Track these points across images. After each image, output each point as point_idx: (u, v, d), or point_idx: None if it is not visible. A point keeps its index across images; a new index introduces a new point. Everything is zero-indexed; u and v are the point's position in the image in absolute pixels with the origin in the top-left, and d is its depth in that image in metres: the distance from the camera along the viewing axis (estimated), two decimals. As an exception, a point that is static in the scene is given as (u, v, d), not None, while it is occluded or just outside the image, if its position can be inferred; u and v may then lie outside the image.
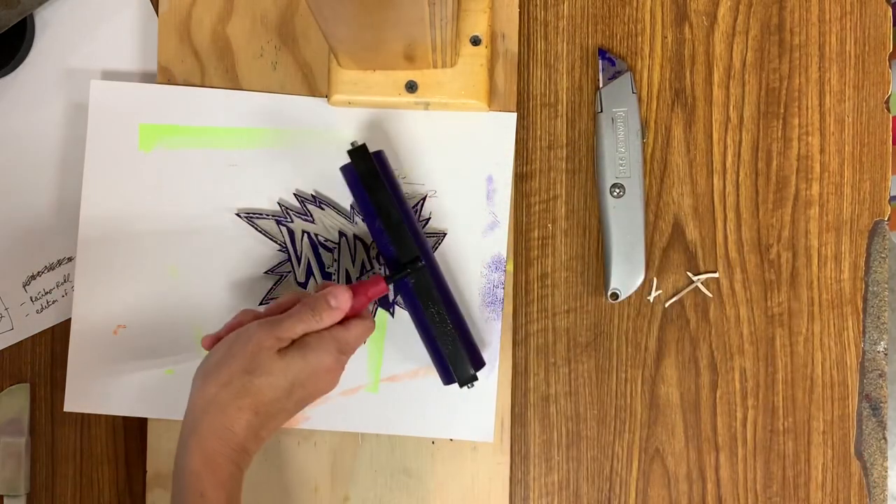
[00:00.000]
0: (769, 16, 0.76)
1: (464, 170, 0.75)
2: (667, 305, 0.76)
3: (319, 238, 0.76)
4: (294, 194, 0.76)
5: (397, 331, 0.75)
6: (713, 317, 0.76)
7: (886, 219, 0.76)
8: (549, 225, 0.77)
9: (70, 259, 0.78)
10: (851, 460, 0.76)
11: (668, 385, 0.76)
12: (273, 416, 0.63)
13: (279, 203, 0.76)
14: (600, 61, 0.76)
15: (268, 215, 0.76)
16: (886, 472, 0.76)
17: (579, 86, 0.77)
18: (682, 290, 0.76)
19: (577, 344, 0.76)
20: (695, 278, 0.76)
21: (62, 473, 0.78)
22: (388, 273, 0.70)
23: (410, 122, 0.75)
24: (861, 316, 0.76)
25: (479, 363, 0.71)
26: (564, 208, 0.77)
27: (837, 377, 0.76)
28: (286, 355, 0.63)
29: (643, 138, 0.75)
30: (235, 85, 0.76)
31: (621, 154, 0.74)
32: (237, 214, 0.76)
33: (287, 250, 0.76)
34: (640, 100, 0.76)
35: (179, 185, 0.76)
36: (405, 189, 0.75)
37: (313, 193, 0.76)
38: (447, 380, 0.71)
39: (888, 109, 0.76)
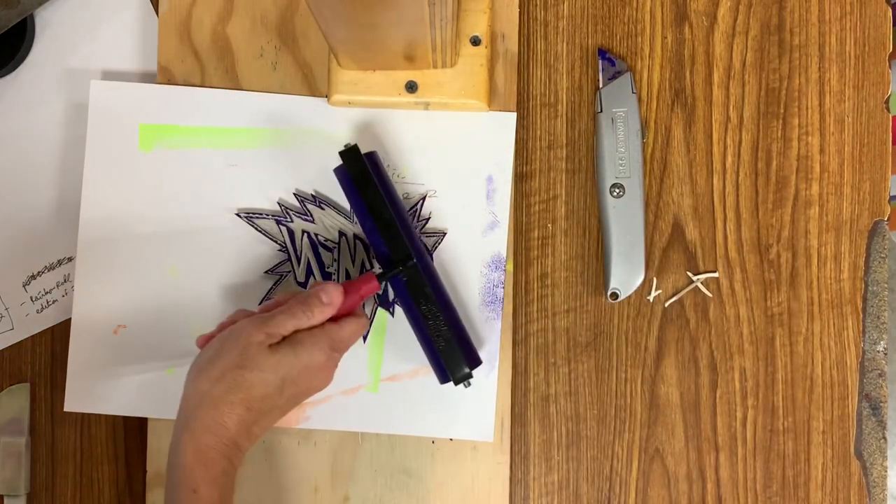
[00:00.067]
0: (769, 16, 0.76)
1: (464, 170, 0.75)
2: (667, 305, 0.76)
3: (319, 238, 0.76)
4: (294, 194, 0.76)
5: (397, 331, 0.75)
6: (713, 317, 0.76)
7: (886, 219, 0.76)
8: (549, 225, 0.77)
9: (70, 259, 0.78)
10: (851, 460, 0.76)
11: (668, 385, 0.76)
12: (265, 412, 0.63)
13: (279, 203, 0.76)
14: (600, 61, 0.76)
15: (268, 215, 0.76)
16: (886, 471, 0.76)
17: (579, 86, 0.77)
18: (681, 290, 0.76)
19: (577, 344, 0.76)
20: (695, 278, 0.76)
21: (62, 473, 0.78)
22: (381, 271, 0.70)
23: (410, 122, 0.75)
24: (861, 316, 0.76)
25: (475, 361, 0.71)
26: (564, 208, 0.77)
27: (837, 377, 0.76)
28: (277, 351, 0.63)
29: (643, 138, 0.75)
30: (235, 85, 0.76)
31: (621, 154, 0.74)
32: (237, 214, 0.76)
33: (287, 250, 0.76)
34: (640, 100, 0.76)
35: (179, 185, 0.76)
36: (405, 189, 0.75)
37: (313, 193, 0.76)
38: (443, 378, 0.71)
39: (888, 109, 0.76)
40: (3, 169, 0.79)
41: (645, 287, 0.76)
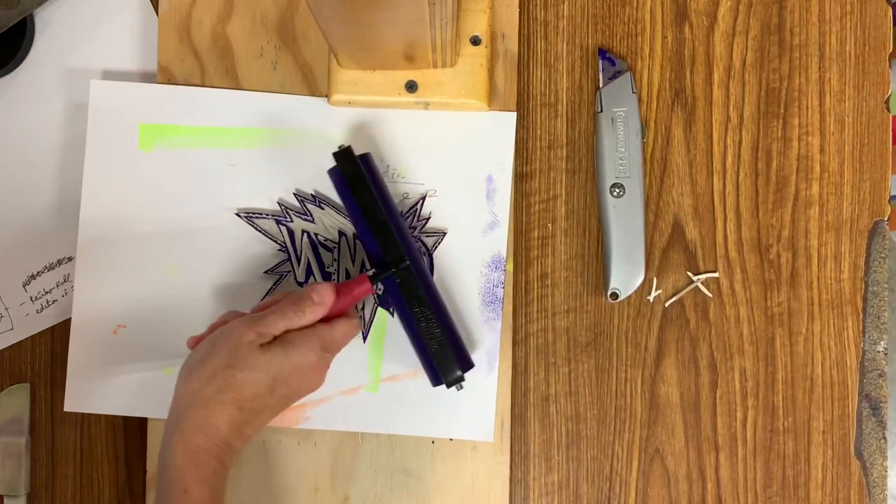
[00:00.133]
0: (769, 16, 0.76)
1: (464, 169, 0.75)
2: (667, 305, 0.76)
3: (319, 238, 0.76)
4: (294, 194, 0.76)
5: (397, 331, 0.75)
6: (713, 317, 0.76)
7: (886, 219, 0.76)
8: (549, 225, 0.77)
9: (70, 259, 0.78)
10: (851, 460, 0.76)
11: (668, 385, 0.76)
12: (257, 412, 0.63)
13: (279, 203, 0.76)
14: (600, 61, 0.76)
15: (268, 215, 0.76)
16: (886, 471, 0.76)
17: (579, 86, 0.77)
18: (682, 290, 0.76)
19: (577, 344, 0.76)
20: (695, 278, 0.76)
21: (62, 473, 0.78)
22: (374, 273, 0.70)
23: (410, 122, 0.75)
24: (861, 316, 0.76)
25: (467, 364, 0.71)
26: (564, 208, 0.77)
27: (837, 377, 0.76)
28: (268, 351, 0.63)
29: (643, 138, 0.75)
30: (235, 85, 0.76)
31: (621, 154, 0.74)
32: (237, 214, 0.76)
33: (287, 250, 0.76)
34: (640, 100, 0.76)
35: (179, 185, 0.76)
36: (405, 189, 0.75)
37: (313, 193, 0.76)
38: (435, 381, 0.71)
39: (888, 109, 0.76)
40: (3, 169, 0.79)
41: (645, 287, 0.76)
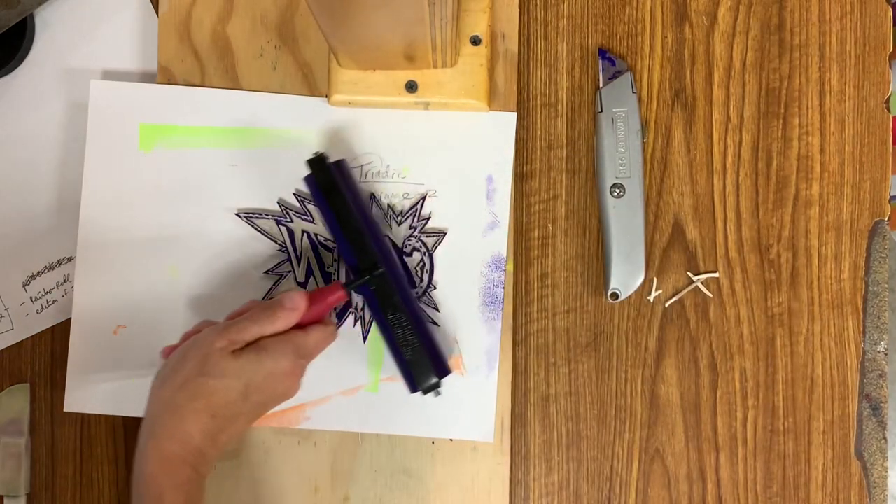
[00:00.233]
0: (769, 16, 0.76)
1: (464, 169, 0.75)
2: (667, 305, 0.76)
3: (319, 238, 0.76)
4: (294, 194, 0.76)
5: (397, 331, 0.75)
6: (713, 317, 0.76)
7: (886, 219, 0.76)
8: (549, 225, 0.77)
9: (70, 259, 0.78)
10: (851, 460, 0.76)
11: (668, 385, 0.76)
12: (230, 419, 0.63)
13: (279, 203, 0.76)
14: (600, 61, 0.76)
15: (268, 215, 0.76)
16: (886, 472, 0.76)
17: (579, 86, 0.77)
18: (682, 290, 0.76)
19: (577, 344, 0.76)
20: (695, 278, 0.76)
21: (62, 473, 0.78)
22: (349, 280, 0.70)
23: (410, 122, 0.75)
24: (861, 316, 0.76)
25: (444, 371, 0.71)
26: (564, 208, 0.77)
27: (837, 377, 0.76)
28: (240, 357, 0.63)
29: (643, 138, 0.75)
30: (235, 85, 0.76)
31: (621, 154, 0.74)
32: (237, 214, 0.76)
33: (287, 250, 0.76)
34: (640, 100, 0.76)
35: (179, 185, 0.76)
36: (405, 189, 0.75)
37: (313, 193, 0.76)
38: (411, 388, 0.71)
39: (888, 109, 0.76)
40: (3, 169, 0.79)
41: (645, 287, 0.76)
